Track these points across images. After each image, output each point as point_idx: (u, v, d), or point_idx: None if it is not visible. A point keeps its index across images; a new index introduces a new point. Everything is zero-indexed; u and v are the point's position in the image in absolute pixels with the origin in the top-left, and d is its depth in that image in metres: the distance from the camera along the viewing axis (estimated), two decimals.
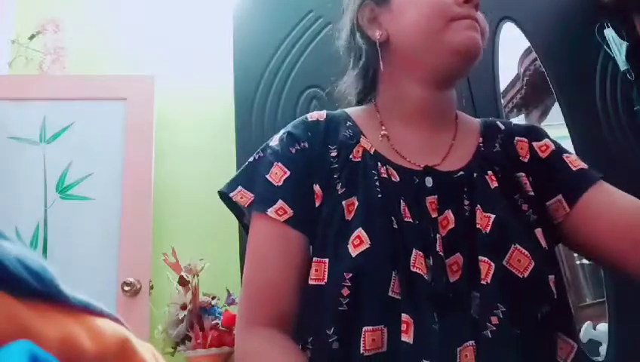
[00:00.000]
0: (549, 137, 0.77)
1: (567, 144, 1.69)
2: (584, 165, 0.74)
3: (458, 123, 0.77)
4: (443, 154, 0.72)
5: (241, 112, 1.75)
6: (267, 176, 0.69)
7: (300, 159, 0.70)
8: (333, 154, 0.70)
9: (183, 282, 1.70)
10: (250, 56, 1.81)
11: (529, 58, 1.85)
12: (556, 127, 1.78)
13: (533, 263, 0.61)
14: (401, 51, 0.73)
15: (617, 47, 1.69)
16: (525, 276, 0.60)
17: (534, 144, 0.75)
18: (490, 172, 0.70)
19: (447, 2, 0.68)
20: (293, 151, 0.70)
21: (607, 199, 0.70)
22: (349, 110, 0.79)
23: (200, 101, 2.25)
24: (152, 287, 1.94)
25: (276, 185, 0.68)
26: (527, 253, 0.62)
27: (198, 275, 1.72)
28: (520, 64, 1.90)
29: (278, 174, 0.69)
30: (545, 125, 1.92)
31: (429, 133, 0.74)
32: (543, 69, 1.76)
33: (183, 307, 1.67)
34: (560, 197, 0.71)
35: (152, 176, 2.06)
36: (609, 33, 1.71)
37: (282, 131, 0.74)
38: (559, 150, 0.75)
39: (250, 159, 0.74)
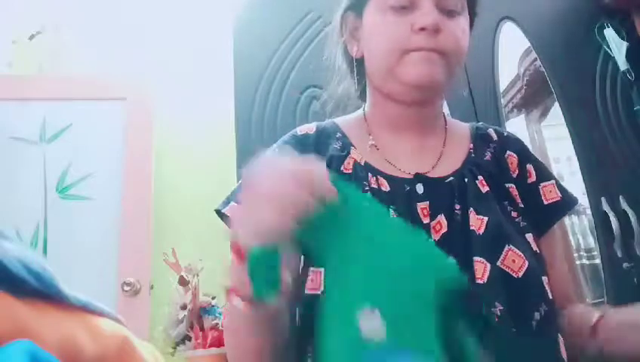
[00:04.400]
0: (535, 161, 0.78)
1: (568, 144, 1.69)
2: (557, 196, 0.75)
3: (447, 129, 0.78)
4: (433, 160, 0.73)
5: (241, 112, 1.76)
6: None
7: None
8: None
9: (183, 282, 1.71)
10: (250, 56, 1.81)
11: (529, 58, 1.85)
12: (556, 127, 1.78)
13: (527, 263, 0.62)
14: (369, 72, 0.75)
15: (617, 47, 1.69)
16: (520, 276, 0.61)
17: (526, 165, 0.76)
18: (480, 177, 0.71)
19: (403, 33, 0.68)
20: None
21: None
22: (339, 120, 0.80)
23: (200, 101, 2.25)
24: (152, 287, 1.94)
25: None
26: (520, 253, 0.63)
27: (198, 275, 1.72)
28: (520, 64, 1.90)
29: None
30: (545, 125, 1.92)
31: (417, 141, 0.75)
32: (543, 69, 1.76)
33: (183, 307, 1.67)
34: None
35: (152, 176, 2.06)
36: (609, 33, 1.71)
37: (275, 145, 0.75)
38: (539, 178, 0.76)
39: None
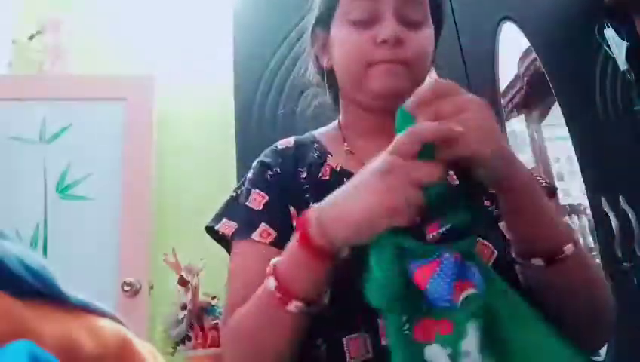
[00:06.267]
0: None
1: (568, 144, 1.69)
2: None
3: None
4: None
5: (241, 112, 1.75)
6: (247, 204, 0.72)
7: (275, 183, 0.73)
8: (304, 175, 0.74)
9: (183, 282, 1.71)
10: (250, 56, 1.81)
11: (529, 58, 1.85)
12: (556, 127, 1.78)
13: (495, 253, 0.63)
14: (339, 83, 0.78)
15: (617, 47, 1.69)
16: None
17: None
18: (450, 172, 0.71)
19: (366, 46, 0.70)
20: (268, 177, 0.74)
21: None
22: (316, 132, 0.83)
23: (200, 101, 2.25)
24: (152, 287, 1.94)
25: (257, 209, 0.71)
26: (489, 244, 0.64)
27: (198, 275, 1.72)
28: (520, 64, 1.90)
29: (257, 200, 0.72)
30: (545, 125, 1.92)
31: (390, 144, 0.76)
32: (543, 69, 1.76)
33: (183, 307, 1.67)
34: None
35: (152, 176, 2.06)
36: (609, 33, 1.71)
37: (255, 161, 0.78)
38: None
39: (232, 193, 0.78)
